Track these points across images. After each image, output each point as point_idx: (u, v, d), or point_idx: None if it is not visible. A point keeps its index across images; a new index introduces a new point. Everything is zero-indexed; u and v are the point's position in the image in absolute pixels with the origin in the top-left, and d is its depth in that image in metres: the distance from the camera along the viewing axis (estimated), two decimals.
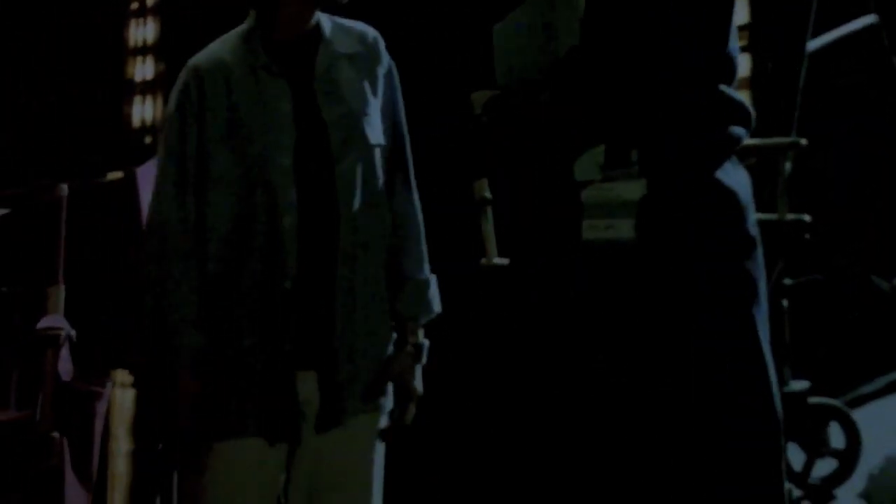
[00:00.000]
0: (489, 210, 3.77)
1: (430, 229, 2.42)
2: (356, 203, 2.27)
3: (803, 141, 3.52)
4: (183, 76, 2.31)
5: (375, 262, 2.33)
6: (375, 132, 2.32)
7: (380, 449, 2.35)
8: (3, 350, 3.44)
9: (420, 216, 2.42)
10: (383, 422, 2.35)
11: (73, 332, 3.10)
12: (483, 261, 3.76)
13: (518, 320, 2.26)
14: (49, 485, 3.02)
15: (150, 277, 2.24)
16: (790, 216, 3.50)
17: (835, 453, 4.03)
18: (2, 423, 3.14)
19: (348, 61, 2.34)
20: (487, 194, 3.77)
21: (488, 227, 3.75)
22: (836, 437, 4.05)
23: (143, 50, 5.87)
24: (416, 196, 2.42)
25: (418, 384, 2.38)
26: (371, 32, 2.41)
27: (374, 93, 2.35)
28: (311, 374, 2.25)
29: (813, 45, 3.88)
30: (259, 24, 2.30)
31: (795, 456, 4.01)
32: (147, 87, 5.81)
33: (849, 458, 3.99)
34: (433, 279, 2.42)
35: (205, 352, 2.22)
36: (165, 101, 5.68)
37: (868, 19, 3.99)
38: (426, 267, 2.42)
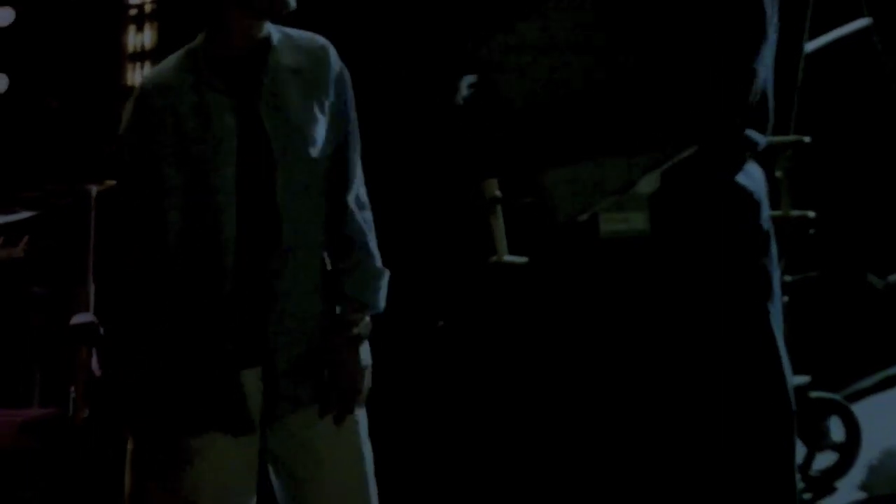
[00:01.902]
0: (499, 208, 3.90)
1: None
2: (296, 209, 2.35)
3: (807, 139, 3.64)
4: (131, 99, 2.41)
5: (311, 264, 2.39)
6: (318, 145, 2.38)
7: (349, 435, 2.40)
8: (27, 349, 3.57)
9: (369, 217, 2.49)
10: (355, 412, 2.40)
11: (103, 330, 3.24)
12: (493, 258, 3.90)
13: (535, 316, 2.32)
14: (83, 476, 3.16)
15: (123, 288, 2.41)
16: (795, 212, 3.62)
17: (835, 446, 4.14)
18: (33, 420, 3.28)
19: (294, 75, 2.39)
20: (497, 193, 3.91)
21: (499, 225, 3.88)
22: (836, 430, 4.19)
23: (141, 56, 5.96)
24: (362, 202, 2.49)
25: (357, 362, 2.41)
26: (318, 42, 2.45)
27: (321, 106, 2.40)
28: (256, 370, 2.33)
29: (810, 46, 4.02)
30: (205, 41, 2.37)
31: (796, 449, 4.14)
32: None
33: (849, 451, 4.10)
34: (385, 274, 2.48)
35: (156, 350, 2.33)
36: None
37: (862, 22, 4.14)
38: (377, 260, 2.48)
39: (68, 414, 3.23)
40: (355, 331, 2.42)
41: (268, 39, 2.39)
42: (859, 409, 4.26)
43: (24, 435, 3.21)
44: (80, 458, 3.18)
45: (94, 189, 3.36)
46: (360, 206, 2.48)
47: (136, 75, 5.88)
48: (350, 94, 2.45)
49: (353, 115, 2.46)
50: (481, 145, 2.44)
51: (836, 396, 4.16)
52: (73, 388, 3.24)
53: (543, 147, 2.24)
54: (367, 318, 2.44)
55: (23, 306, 3.48)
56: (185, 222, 2.32)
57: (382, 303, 2.47)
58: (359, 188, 2.48)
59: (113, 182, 3.93)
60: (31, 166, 4.52)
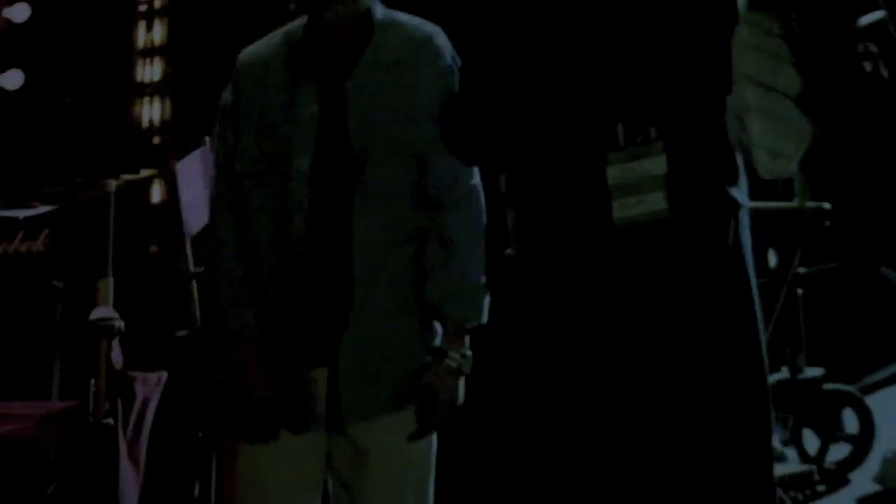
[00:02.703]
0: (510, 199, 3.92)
1: None
2: (372, 208, 2.30)
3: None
4: (233, 72, 2.42)
5: (391, 266, 2.32)
6: (404, 141, 2.32)
7: (415, 449, 2.35)
8: (46, 343, 3.61)
9: (473, 223, 2.39)
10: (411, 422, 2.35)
11: (122, 324, 3.29)
12: (508, 251, 3.93)
13: (543, 311, 2.25)
14: (105, 471, 3.20)
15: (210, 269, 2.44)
16: (810, 204, 3.64)
17: (849, 438, 4.20)
18: (53, 413, 3.32)
19: (390, 66, 2.33)
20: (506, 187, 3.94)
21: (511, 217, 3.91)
22: (850, 422, 4.24)
23: (151, 51, 6.00)
24: (467, 204, 2.39)
25: (455, 397, 2.35)
26: (426, 31, 2.37)
27: (413, 100, 2.33)
28: (322, 371, 2.30)
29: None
30: (308, 23, 2.34)
31: (811, 441, 4.18)
32: (155, 89, 5.93)
33: (863, 443, 4.15)
34: (480, 283, 2.38)
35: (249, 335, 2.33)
36: (173, 103, 5.81)
37: (877, 15, 4.17)
38: (479, 272, 2.39)
39: (89, 408, 3.27)
40: (454, 364, 2.35)
41: (369, 24, 2.34)
42: (873, 401, 4.30)
43: (44, 428, 3.25)
44: (100, 452, 3.22)
45: (113, 183, 3.40)
46: (455, 207, 2.37)
47: (147, 72, 5.92)
48: (454, 88, 2.33)
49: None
50: (493, 138, 2.44)
51: (851, 388, 4.20)
52: (93, 382, 3.29)
53: (544, 135, 2.21)
54: (468, 352, 2.37)
55: (42, 300, 3.52)
56: (260, 206, 2.33)
57: (479, 315, 2.38)
58: (455, 187, 2.37)
59: (130, 176, 3.98)
60: (46, 162, 4.56)
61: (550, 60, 2.19)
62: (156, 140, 5.84)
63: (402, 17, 2.40)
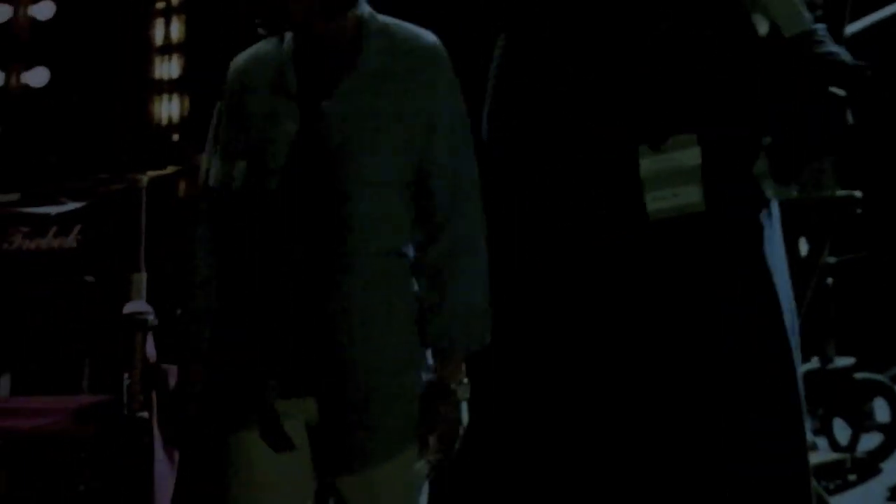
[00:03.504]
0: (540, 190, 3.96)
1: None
2: (356, 241, 2.18)
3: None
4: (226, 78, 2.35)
5: (375, 286, 2.19)
6: (384, 159, 2.20)
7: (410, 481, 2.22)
8: (77, 338, 3.66)
9: (473, 247, 2.23)
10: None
11: (155, 317, 3.33)
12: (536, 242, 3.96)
13: (572, 302, 2.25)
14: (141, 462, 3.25)
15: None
16: (841, 192, 3.66)
17: (880, 427, 4.22)
18: (87, 406, 3.37)
19: (378, 79, 2.22)
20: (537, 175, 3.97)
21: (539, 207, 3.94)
22: (881, 411, 4.26)
23: (169, 48, 6.04)
24: (462, 227, 2.22)
25: (458, 428, 2.22)
26: (420, 43, 2.24)
27: (401, 116, 2.20)
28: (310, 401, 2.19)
29: (851, 28, 4.08)
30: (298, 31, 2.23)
31: (842, 431, 4.21)
32: (172, 86, 5.98)
33: (894, 433, 4.19)
34: (480, 308, 2.21)
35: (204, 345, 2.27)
36: (191, 100, 5.83)
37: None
38: (480, 295, 2.22)
39: (123, 401, 3.31)
40: (452, 397, 2.20)
41: (358, 35, 2.24)
42: None
43: (78, 421, 3.29)
44: (135, 445, 3.26)
45: (145, 178, 3.44)
46: (453, 234, 2.22)
47: (164, 69, 5.97)
48: (450, 104, 2.23)
49: (448, 127, 2.22)
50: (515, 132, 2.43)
51: (882, 378, 4.22)
52: (127, 376, 3.33)
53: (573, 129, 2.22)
54: (465, 380, 2.23)
55: (74, 295, 3.56)
56: (240, 217, 2.25)
57: (478, 340, 2.23)
58: (449, 210, 2.22)
59: (156, 172, 4.02)
60: (69, 158, 4.62)
61: (584, 52, 2.20)
62: (174, 137, 5.90)
63: (397, 25, 2.28)
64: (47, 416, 3.33)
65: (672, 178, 2.15)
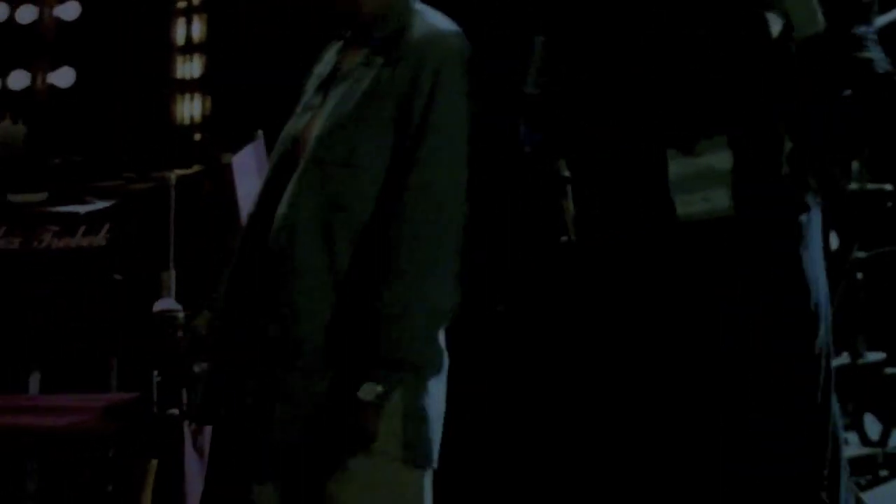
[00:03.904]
0: (569, 188, 3.97)
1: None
2: (298, 219, 2.15)
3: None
4: None
5: (321, 293, 2.14)
6: (359, 152, 2.15)
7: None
8: (104, 336, 3.68)
9: (423, 245, 2.13)
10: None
11: (184, 315, 3.36)
12: (565, 239, 3.97)
13: (602, 303, 2.26)
14: (171, 460, 3.27)
15: None
16: (871, 185, 3.65)
17: None
18: (117, 404, 3.39)
19: (373, 66, 2.19)
20: (566, 173, 3.98)
21: (570, 206, 3.95)
22: None
23: (190, 48, 6.08)
24: (419, 221, 2.13)
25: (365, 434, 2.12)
26: (427, 35, 2.19)
27: (384, 109, 2.16)
28: None
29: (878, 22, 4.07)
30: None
31: (872, 426, 4.20)
32: (194, 85, 6.01)
33: None
34: (414, 317, 2.10)
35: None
36: (213, 99, 5.86)
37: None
38: (403, 301, 2.10)
39: (152, 398, 3.34)
40: (364, 398, 2.10)
41: (402, 27, 2.20)
42: None
43: (109, 418, 3.32)
44: (165, 442, 3.29)
45: (173, 176, 3.47)
46: (411, 238, 2.13)
47: (186, 68, 6.00)
48: (437, 101, 2.16)
49: (434, 125, 2.16)
50: (549, 126, 2.44)
51: None
52: (156, 373, 3.35)
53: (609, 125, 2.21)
54: (376, 394, 2.09)
55: (102, 293, 3.59)
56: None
57: (420, 355, 2.14)
58: (413, 212, 2.14)
59: (183, 171, 4.04)
60: (96, 158, 4.64)
61: (617, 52, 2.20)
62: (196, 137, 5.93)
63: (430, 17, 2.26)
64: (76, 414, 3.36)
65: (702, 182, 2.14)
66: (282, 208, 2.17)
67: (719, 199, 2.14)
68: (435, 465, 2.21)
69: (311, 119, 2.24)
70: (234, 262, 2.31)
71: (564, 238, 4.05)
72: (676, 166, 2.15)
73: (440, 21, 2.24)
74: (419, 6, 2.27)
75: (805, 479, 2.17)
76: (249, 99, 5.37)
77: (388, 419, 2.11)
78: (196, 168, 4.49)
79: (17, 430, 3.39)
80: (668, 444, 2.15)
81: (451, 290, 2.15)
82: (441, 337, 2.22)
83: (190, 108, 5.98)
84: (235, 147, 3.91)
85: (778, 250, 2.18)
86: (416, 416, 2.14)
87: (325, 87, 2.27)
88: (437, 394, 2.20)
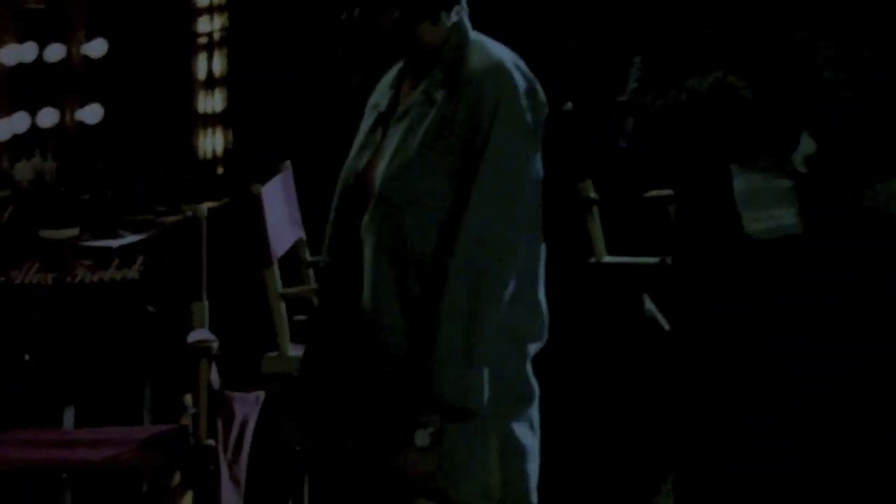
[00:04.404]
0: (595, 209, 4.01)
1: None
2: (371, 266, 2.14)
3: None
4: None
5: (388, 327, 2.13)
6: (423, 193, 2.13)
7: None
8: (138, 368, 3.72)
9: (466, 296, 2.09)
10: None
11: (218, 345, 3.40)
12: (592, 259, 4.01)
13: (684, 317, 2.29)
14: (208, 490, 3.30)
15: None
16: None
17: None
18: (155, 436, 3.43)
19: (433, 103, 2.17)
20: (593, 194, 4.03)
21: (595, 226, 3.99)
22: None
23: (211, 82, 6.14)
24: (466, 271, 2.10)
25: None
26: (481, 68, 2.16)
27: (433, 143, 2.15)
28: None
29: None
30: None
31: None
32: (216, 119, 6.07)
33: None
34: (460, 364, 2.07)
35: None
36: (235, 134, 5.92)
37: None
38: (447, 343, 2.08)
39: (188, 429, 3.37)
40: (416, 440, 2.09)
41: (458, 60, 2.18)
42: None
43: (146, 451, 3.35)
44: (202, 473, 3.32)
45: (204, 207, 3.51)
46: (462, 278, 2.10)
47: (207, 102, 6.07)
48: (493, 138, 2.12)
49: (491, 160, 2.12)
50: (576, 145, 2.47)
51: None
52: (191, 403, 3.39)
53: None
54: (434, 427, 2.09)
55: (136, 326, 3.63)
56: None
57: (463, 399, 2.09)
58: (466, 253, 2.11)
59: (213, 203, 4.09)
60: (126, 192, 4.70)
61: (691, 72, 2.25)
62: (219, 171, 5.99)
63: (488, 47, 2.22)
64: (114, 447, 3.39)
65: (770, 200, 2.17)
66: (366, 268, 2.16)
67: (786, 218, 2.17)
68: None
69: (374, 156, 2.23)
70: (318, 309, 2.32)
71: (592, 259, 4.11)
72: (740, 182, 2.19)
73: (498, 51, 2.22)
74: (476, 36, 2.24)
75: (797, 477, 2.19)
76: (271, 132, 5.43)
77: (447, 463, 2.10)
78: (224, 200, 4.55)
79: (53, 464, 3.42)
80: (662, 442, 2.20)
81: (503, 327, 2.13)
82: (516, 375, 2.19)
83: (212, 142, 6.05)
84: (258, 179, 3.96)
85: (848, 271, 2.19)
86: (466, 460, 2.11)
87: (383, 121, 2.26)
88: (517, 434, 2.16)
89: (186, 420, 3.43)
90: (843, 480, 2.23)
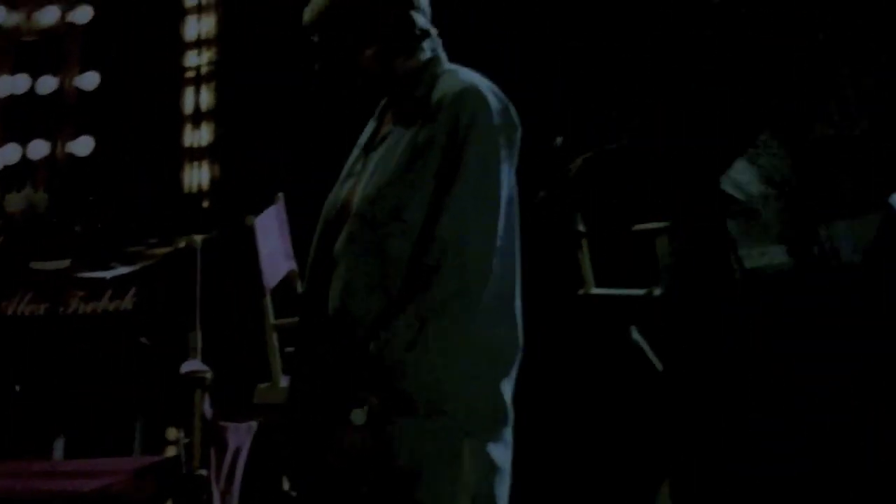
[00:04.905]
0: (585, 242, 4.06)
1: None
2: (342, 286, 2.21)
3: None
4: None
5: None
6: (385, 207, 2.20)
7: None
8: (128, 399, 3.74)
9: (439, 302, 2.15)
10: None
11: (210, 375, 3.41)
12: (581, 291, 4.05)
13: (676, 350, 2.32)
14: None
15: None
16: None
17: None
18: (148, 467, 3.44)
19: (411, 125, 2.25)
20: (582, 227, 4.07)
21: (585, 259, 4.04)
22: None
23: (199, 116, 6.17)
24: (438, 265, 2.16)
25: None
26: (448, 97, 2.24)
27: (410, 164, 2.22)
28: None
29: None
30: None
31: None
32: (203, 153, 6.10)
33: None
34: (429, 367, 2.12)
35: None
36: (221, 167, 5.93)
37: None
38: (419, 348, 2.13)
39: (181, 459, 3.38)
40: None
41: (432, 87, 2.26)
42: None
43: (138, 481, 3.36)
44: (197, 501, 3.33)
45: (199, 239, 3.54)
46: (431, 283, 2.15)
47: (194, 136, 6.10)
48: (469, 149, 2.20)
49: (464, 174, 2.19)
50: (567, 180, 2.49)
51: None
52: (183, 434, 3.40)
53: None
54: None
55: (128, 357, 3.65)
56: None
57: (434, 396, 2.12)
58: (440, 260, 2.17)
59: (202, 236, 4.11)
60: (115, 224, 4.72)
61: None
62: (205, 204, 6.00)
63: (462, 74, 2.30)
64: (105, 478, 3.39)
65: (762, 237, 2.22)
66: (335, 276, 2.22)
67: (778, 255, 2.22)
68: None
69: (355, 184, 2.31)
70: (299, 326, 2.37)
71: (581, 291, 4.14)
72: (736, 222, 2.25)
73: (472, 76, 2.30)
74: (451, 66, 2.33)
75: (805, 479, 2.24)
76: (258, 165, 5.46)
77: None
78: (212, 233, 4.58)
79: (43, 495, 3.42)
80: (669, 445, 2.21)
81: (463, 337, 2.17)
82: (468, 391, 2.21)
83: (198, 175, 6.07)
84: (246, 212, 3.99)
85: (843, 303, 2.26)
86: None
87: (365, 151, 2.35)
88: (492, 454, 2.19)
89: (178, 450, 3.44)
90: (850, 482, 2.28)
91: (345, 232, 2.23)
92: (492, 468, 2.17)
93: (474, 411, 2.16)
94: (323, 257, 2.28)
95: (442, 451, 2.14)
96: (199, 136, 5.98)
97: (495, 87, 2.28)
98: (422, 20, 2.30)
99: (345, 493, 2.18)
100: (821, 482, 2.21)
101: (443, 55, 2.34)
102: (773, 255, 2.23)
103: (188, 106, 5.87)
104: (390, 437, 2.13)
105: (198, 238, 3.55)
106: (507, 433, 2.23)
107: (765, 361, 2.23)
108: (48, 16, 4.92)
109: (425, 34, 2.30)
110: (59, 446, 3.74)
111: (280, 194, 4.20)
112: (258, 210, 4.04)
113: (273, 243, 3.88)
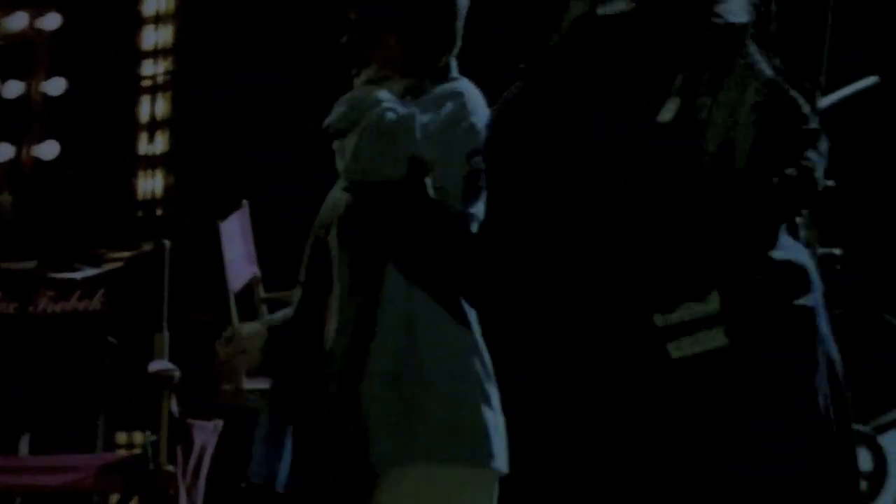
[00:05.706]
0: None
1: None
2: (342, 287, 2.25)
3: (831, 183, 3.91)
4: None
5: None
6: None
7: None
8: (93, 397, 3.82)
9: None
10: None
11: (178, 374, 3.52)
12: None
13: None
14: None
15: None
16: (822, 250, 3.87)
17: (864, 476, 4.44)
18: (114, 463, 3.53)
19: None
20: None
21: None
22: (864, 461, 4.48)
23: (154, 125, 6.23)
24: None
25: None
26: (451, 86, 2.32)
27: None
28: None
29: (824, 103, 4.34)
30: None
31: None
32: (157, 161, 6.15)
33: (876, 480, 4.40)
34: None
35: None
36: (176, 176, 5.95)
37: (869, 80, 4.48)
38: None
39: (148, 456, 3.48)
40: None
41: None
42: (886, 440, 4.54)
43: (105, 477, 3.45)
44: (161, 498, 3.43)
45: (167, 243, 3.64)
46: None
47: (149, 145, 6.16)
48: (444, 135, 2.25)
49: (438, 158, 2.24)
50: None
51: (865, 428, 4.43)
52: (150, 432, 3.50)
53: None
54: None
55: (96, 356, 3.73)
56: None
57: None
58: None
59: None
60: (80, 227, 4.79)
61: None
62: (158, 212, 6.06)
63: (461, 81, 2.37)
64: (72, 473, 3.48)
65: (693, 326, 2.18)
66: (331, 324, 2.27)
67: (711, 339, 2.18)
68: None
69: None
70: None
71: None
72: (661, 319, 2.17)
73: (462, 82, 2.38)
74: (458, 75, 2.40)
75: (804, 479, 2.22)
76: (211, 175, 5.52)
77: None
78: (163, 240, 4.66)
79: (12, 490, 3.50)
80: (669, 445, 2.28)
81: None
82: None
83: (152, 184, 6.12)
84: (202, 220, 4.08)
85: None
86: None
87: None
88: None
89: (144, 448, 3.53)
90: (851, 482, 2.33)
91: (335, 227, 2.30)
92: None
93: (449, 441, 2.26)
94: (319, 264, 2.32)
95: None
96: (153, 144, 6.04)
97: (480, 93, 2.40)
98: (460, 31, 2.40)
99: None
100: (821, 482, 2.31)
101: (454, 63, 2.43)
102: (708, 342, 2.18)
103: (144, 115, 5.93)
104: None
105: (167, 242, 3.65)
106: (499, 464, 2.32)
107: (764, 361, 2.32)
108: (17, 21, 4.98)
109: (454, 44, 2.40)
110: (24, 443, 3.81)
111: (245, 201, 4.31)
112: (212, 219, 4.12)
113: (237, 248, 3.98)
